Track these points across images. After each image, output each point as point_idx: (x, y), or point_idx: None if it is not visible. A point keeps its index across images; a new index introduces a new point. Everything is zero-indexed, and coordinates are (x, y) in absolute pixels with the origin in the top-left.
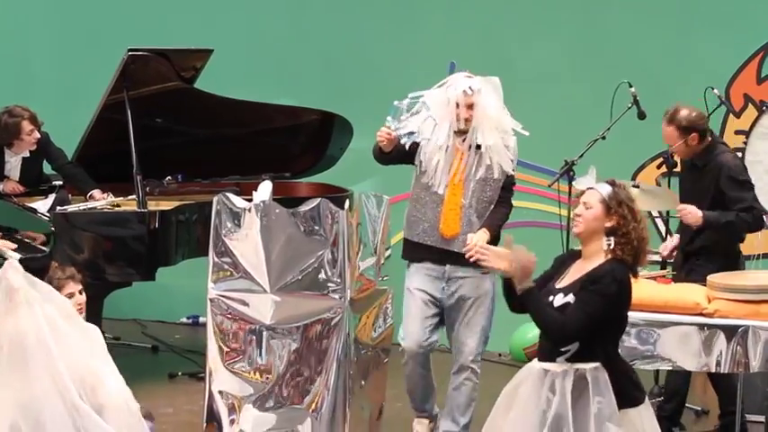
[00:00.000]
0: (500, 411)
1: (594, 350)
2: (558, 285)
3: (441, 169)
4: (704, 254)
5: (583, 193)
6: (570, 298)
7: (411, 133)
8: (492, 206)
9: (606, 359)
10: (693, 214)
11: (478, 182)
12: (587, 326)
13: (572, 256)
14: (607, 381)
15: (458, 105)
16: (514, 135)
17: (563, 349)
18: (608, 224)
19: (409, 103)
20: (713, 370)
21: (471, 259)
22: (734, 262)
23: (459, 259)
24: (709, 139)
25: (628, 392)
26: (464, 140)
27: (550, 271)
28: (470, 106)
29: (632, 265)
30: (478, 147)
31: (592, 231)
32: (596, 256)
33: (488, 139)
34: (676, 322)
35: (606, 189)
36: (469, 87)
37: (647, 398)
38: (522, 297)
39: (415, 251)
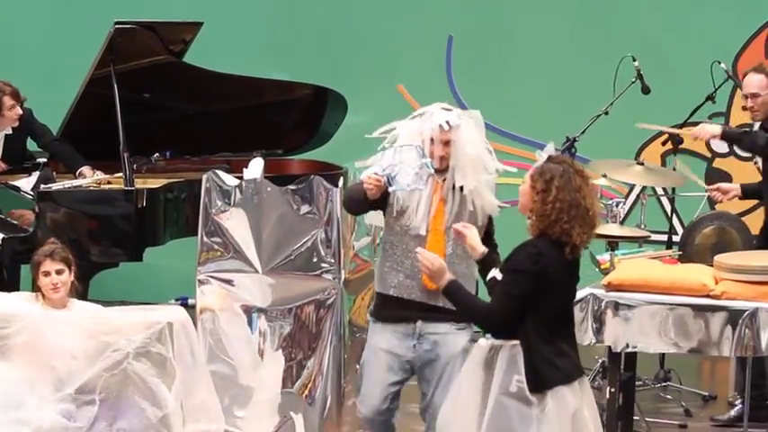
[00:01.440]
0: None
1: (515, 328)
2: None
3: (422, 209)
4: None
5: None
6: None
7: (395, 180)
8: None
9: (525, 338)
10: (708, 130)
11: None
12: (513, 306)
13: None
14: (521, 360)
15: (432, 141)
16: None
17: None
18: (534, 200)
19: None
20: (720, 354)
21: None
22: None
23: (431, 315)
24: None
25: (542, 374)
26: (444, 180)
27: None
28: (447, 143)
29: (560, 242)
30: (460, 188)
31: (524, 207)
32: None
33: (470, 182)
34: (683, 304)
35: (537, 164)
36: (446, 122)
37: (575, 382)
38: (445, 295)
39: (386, 308)
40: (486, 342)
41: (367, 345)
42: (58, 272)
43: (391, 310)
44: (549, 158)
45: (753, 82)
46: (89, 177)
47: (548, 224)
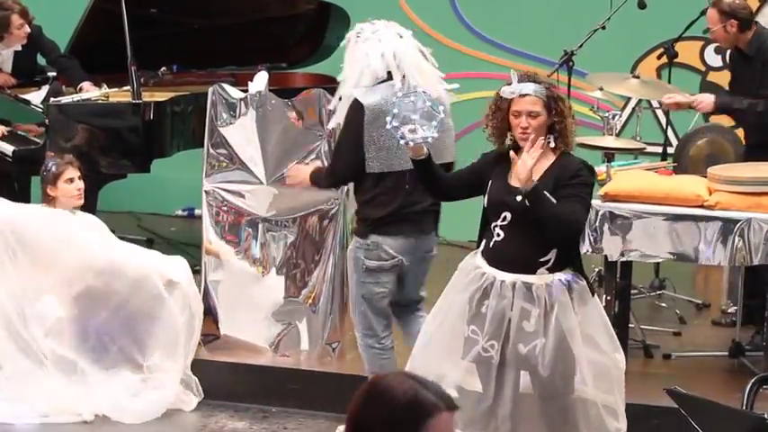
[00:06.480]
0: (455, 319)
1: (570, 254)
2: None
3: None
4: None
5: (510, 101)
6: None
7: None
8: None
9: (577, 262)
10: (707, 102)
11: None
12: (586, 218)
13: (502, 156)
14: (585, 285)
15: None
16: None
17: (542, 259)
18: (549, 123)
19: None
20: (714, 263)
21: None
22: None
23: None
24: (754, 28)
25: (590, 286)
26: None
27: (479, 169)
28: None
29: None
30: None
31: (539, 135)
32: (543, 154)
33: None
34: (677, 214)
35: (541, 90)
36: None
37: None
38: (533, 195)
39: None
40: (540, 278)
41: None
42: (80, 178)
43: None
44: (537, 81)
45: (708, 16)
46: (90, 92)
47: (568, 140)
